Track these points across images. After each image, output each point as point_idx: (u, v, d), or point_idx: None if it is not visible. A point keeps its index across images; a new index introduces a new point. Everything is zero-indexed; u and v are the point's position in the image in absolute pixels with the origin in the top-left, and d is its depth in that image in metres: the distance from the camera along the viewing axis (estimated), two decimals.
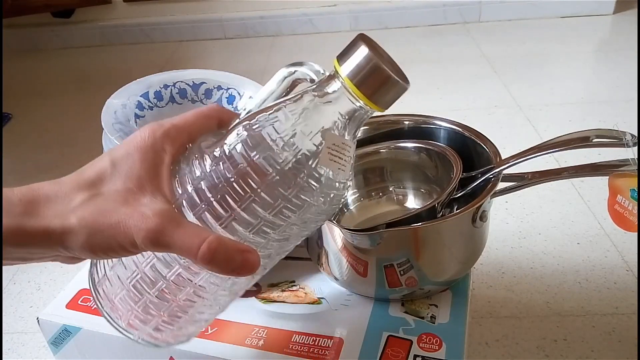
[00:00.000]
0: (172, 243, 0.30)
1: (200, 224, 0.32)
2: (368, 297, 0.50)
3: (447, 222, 0.45)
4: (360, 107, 0.34)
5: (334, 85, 0.34)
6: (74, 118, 1.49)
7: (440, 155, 0.53)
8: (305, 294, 0.51)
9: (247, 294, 0.51)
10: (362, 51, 0.32)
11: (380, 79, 0.33)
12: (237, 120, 0.35)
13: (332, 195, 0.35)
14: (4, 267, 0.94)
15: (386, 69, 0.32)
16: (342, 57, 0.34)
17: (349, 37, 0.36)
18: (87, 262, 0.57)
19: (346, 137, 0.34)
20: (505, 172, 0.48)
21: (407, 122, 0.57)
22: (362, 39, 0.33)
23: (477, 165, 0.51)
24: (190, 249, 0.30)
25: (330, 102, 0.34)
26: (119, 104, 0.55)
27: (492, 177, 0.48)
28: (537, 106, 1.32)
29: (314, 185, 0.33)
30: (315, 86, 0.35)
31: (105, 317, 0.37)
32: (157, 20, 1.98)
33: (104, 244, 0.31)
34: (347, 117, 0.34)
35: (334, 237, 0.46)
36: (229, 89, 0.60)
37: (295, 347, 0.45)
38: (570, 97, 1.37)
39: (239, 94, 0.59)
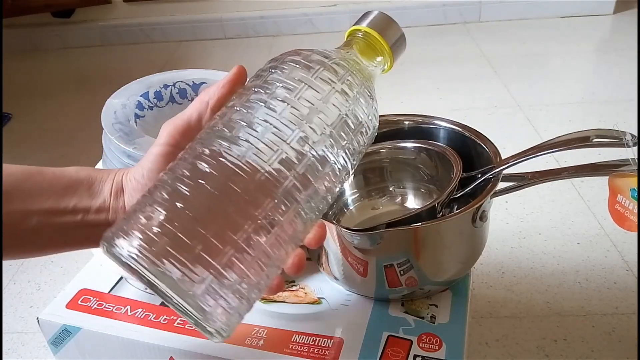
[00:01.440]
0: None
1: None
2: (368, 297, 0.50)
3: (447, 222, 0.45)
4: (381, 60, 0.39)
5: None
6: (74, 118, 1.49)
7: (440, 155, 0.53)
8: (305, 294, 0.51)
9: None
10: (373, 13, 0.40)
11: (393, 30, 0.39)
12: None
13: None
14: (4, 267, 0.94)
15: (396, 23, 0.39)
16: (357, 23, 0.39)
17: None
18: (85, 264, 0.57)
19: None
20: (505, 172, 0.48)
21: (407, 122, 0.57)
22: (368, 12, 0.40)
23: (477, 165, 0.51)
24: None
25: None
26: (119, 104, 0.55)
27: (492, 177, 0.48)
28: (537, 106, 1.32)
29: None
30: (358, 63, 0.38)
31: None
32: (157, 20, 1.98)
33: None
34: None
35: (334, 237, 0.46)
36: None
37: (295, 347, 0.45)
38: (570, 97, 1.37)
39: None
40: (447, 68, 1.59)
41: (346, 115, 0.34)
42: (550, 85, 1.43)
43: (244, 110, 0.33)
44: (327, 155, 0.33)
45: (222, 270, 0.30)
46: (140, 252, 0.29)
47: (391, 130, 0.57)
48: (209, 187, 0.31)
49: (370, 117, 0.36)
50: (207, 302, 0.30)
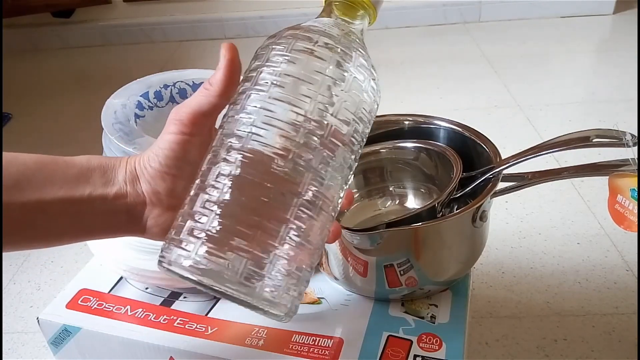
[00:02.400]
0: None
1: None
2: (368, 297, 0.50)
3: (447, 222, 0.45)
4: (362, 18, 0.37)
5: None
6: (74, 118, 1.49)
7: (440, 155, 0.53)
8: (305, 293, 0.51)
9: None
10: None
11: None
12: None
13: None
14: (4, 267, 0.94)
15: None
16: None
17: None
18: (85, 264, 0.57)
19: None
20: (505, 172, 0.48)
21: (407, 122, 0.57)
22: None
23: (477, 165, 0.51)
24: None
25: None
26: (119, 104, 0.55)
27: (492, 177, 0.48)
28: (537, 106, 1.32)
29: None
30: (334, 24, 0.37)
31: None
32: (157, 20, 1.98)
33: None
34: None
35: None
36: None
37: (295, 347, 0.45)
38: (570, 97, 1.37)
39: None
40: (447, 68, 1.59)
41: (354, 79, 0.34)
42: (550, 85, 1.43)
43: (258, 95, 0.33)
44: (348, 120, 0.34)
45: (286, 258, 0.31)
46: (208, 261, 0.30)
47: (391, 130, 0.57)
48: (254, 179, 0.32)
49: (375, 83, 0.36)
50: (277, 293, 0.31)
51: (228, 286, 0.30)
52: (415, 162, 0.56)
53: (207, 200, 0.32)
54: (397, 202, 0.58)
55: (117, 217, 0.37)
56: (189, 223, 0.32)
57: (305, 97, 0.33)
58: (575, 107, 1.32)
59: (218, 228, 0.31)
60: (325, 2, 0.38)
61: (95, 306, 0.51)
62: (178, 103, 0.60)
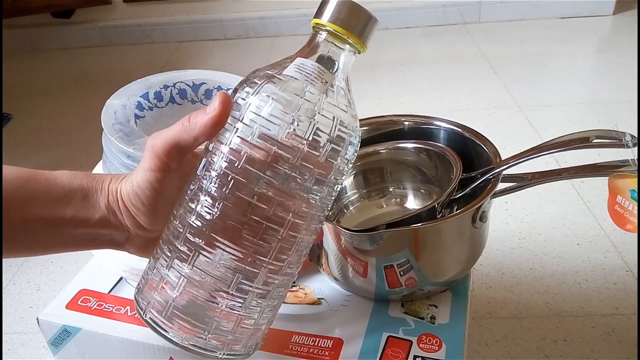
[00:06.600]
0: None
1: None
2: (368, 298, 0.50)
3: (447, 222, 0.45)
4: (348, 49, 0.36)
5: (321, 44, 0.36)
6: (74, 118, 1.49)
7: (440, 156, 0.53)
8: (305, 294, 0.51)
9: None
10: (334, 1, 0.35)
11: (359, 15, 0.35)
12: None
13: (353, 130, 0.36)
14: (4, 268, 0.94)
15: (363, 7, 0.35)
16: (318, 14, 0.36)
17: None
18: (85, 264, 0.57)
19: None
20: (505, 172, 0.48)
21: (407, 123, 0.57)
22: None
23: (477, 165, 0.51)
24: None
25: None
26: (118, 104, 0.55)
27: (492, 178, 0.48)
28: (537, 106, 1.32)
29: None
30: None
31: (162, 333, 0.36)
32: (157, 20, 1.98)
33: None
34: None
35: (334, 238, 0.46)
36: (229, 89, 0.60)
37: (295, 347, 0.45)
38: (570, 97, 1.37)
39: None
40: (447, 68, 1.59)
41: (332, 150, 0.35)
42: (550, 85, 1.43)
43: (226, 171, 0.34)
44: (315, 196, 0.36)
45: (249, 327, 0.36)
46: (165, 321, 0.35)
47: (391, 130, 0.57)
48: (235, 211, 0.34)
49: (353, 146, 0.36)
50: (240, 348, 0.37)
51: (194, 345, 0.35)
52: (415, 162, 0.56)
53: (179, 273, 0.35)
54: (397, 203, 0.58)
55: (99, 239, 0.38)
56: (164, 292, 0.35)
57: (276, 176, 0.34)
58: (575, 107, 1.32)
59: (186, 303, 0.35)
60: (313, 27, 0.37)
61: (95, 307, 0.51)
62: (178, 104, 0.60)
